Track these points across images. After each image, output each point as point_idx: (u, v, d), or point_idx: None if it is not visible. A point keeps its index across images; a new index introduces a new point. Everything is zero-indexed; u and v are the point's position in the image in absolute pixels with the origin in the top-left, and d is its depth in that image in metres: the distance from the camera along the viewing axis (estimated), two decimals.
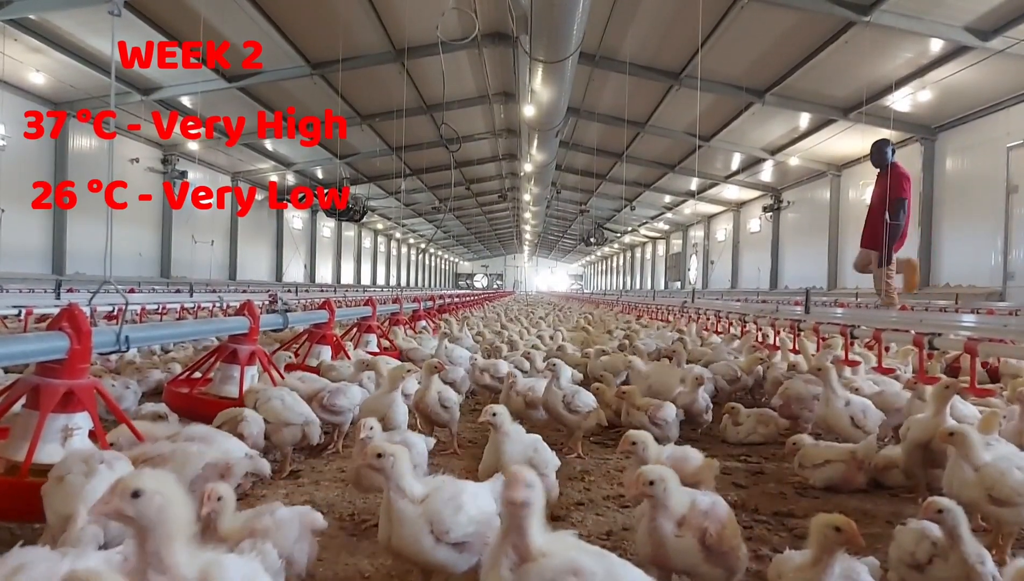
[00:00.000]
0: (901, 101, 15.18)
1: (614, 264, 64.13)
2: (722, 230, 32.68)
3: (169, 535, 1.50)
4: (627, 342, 7.48)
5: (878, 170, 8.36)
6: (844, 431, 3.95)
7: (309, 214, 33.47)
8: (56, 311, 3.11)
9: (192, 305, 10.43)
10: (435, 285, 67.85)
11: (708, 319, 10.74)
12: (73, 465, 2.22)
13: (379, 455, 2.15)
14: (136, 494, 1.50)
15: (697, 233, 36.48)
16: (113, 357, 5.89)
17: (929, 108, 15.80)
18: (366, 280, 43.25)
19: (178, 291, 14.94)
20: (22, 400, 2.90)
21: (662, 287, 41.20)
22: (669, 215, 36.14)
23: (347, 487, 3.40)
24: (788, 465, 4.05)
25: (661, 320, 13.16)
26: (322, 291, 23.32)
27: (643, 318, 13.86)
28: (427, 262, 67.86)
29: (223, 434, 2.89)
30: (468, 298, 23.66)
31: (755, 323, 7.81)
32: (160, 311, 9.59)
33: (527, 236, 49.87)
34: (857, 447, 3.66)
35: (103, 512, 1.53)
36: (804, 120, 18.48)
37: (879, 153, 8.37)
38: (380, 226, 44.63)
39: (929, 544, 2.13)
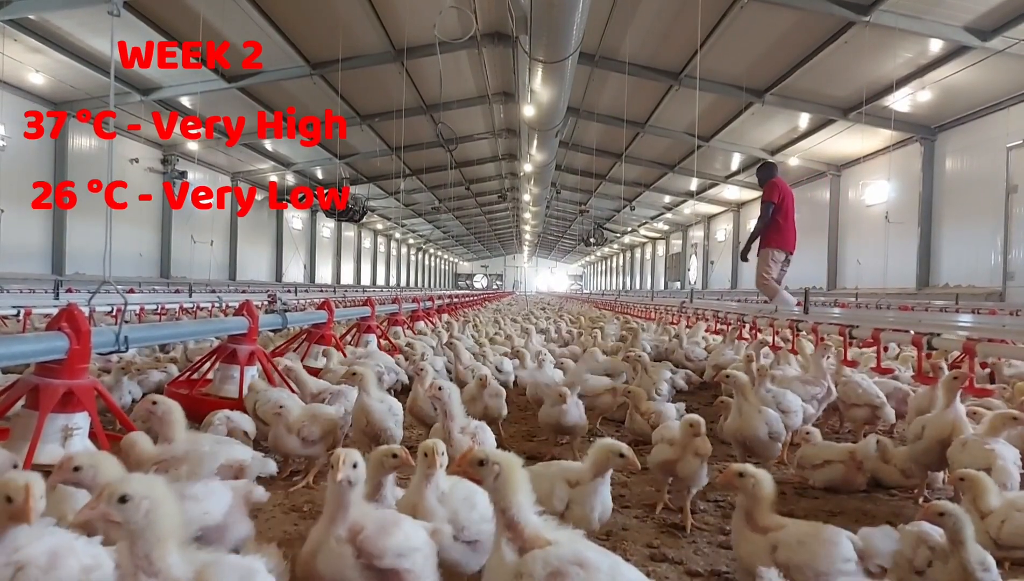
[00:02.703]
0: (901, 101, 15.18)
1: (614, 264, 64.11)
2: (722, 230, 32.69)
3: (159, 538, 1.52)
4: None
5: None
6: (761, 443, 3.66)
7: (309, 214, 33.47)
8: (55, 311, 3.11)
9: (191, 305, 10.42)
10: (435, 285, 67.84)
11: (707, 320, 10.72)
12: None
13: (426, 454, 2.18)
14: (123, 499, 1.51)
15: (697, 233, 36.48)
16: (114, 358, 5.89)
17: (929, 108, 15.81)
18: (366, 280, 43.24)
19: (177, 291, 14.93)
20: (22, 400, 2.90)
21: (662, 287, 41.19)
22: (669, 215, 36.14)
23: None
24: (788, 465, 4.06)
25: (650, 319, 13.18)
26: (322, 291, 23.29)
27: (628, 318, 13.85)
28: (426, 262, 67.85)
29: (228, 439, 2.89)
30: (467, 298, 23.65)
31: (754, 323, 7.81)
32: (159, 311, 9.58)
33: (527, 236, 49.85)
34: (856, 447, 3.66)
35: (89, 517, 1.55)
36: (804, 120, 18.49)
37: (759, 173, 9.55)
38: (380, 226, 44.63)
39: (926, 549, 2.13)
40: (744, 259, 9.78)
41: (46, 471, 2.42)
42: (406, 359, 6.31)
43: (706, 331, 9.17)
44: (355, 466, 2.03)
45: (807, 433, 3.85)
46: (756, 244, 9.24)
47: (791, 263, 9.53)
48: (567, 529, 1.76)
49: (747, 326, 8.12)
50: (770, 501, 2.23)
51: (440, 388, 3.15)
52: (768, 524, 2.21)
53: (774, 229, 9.08)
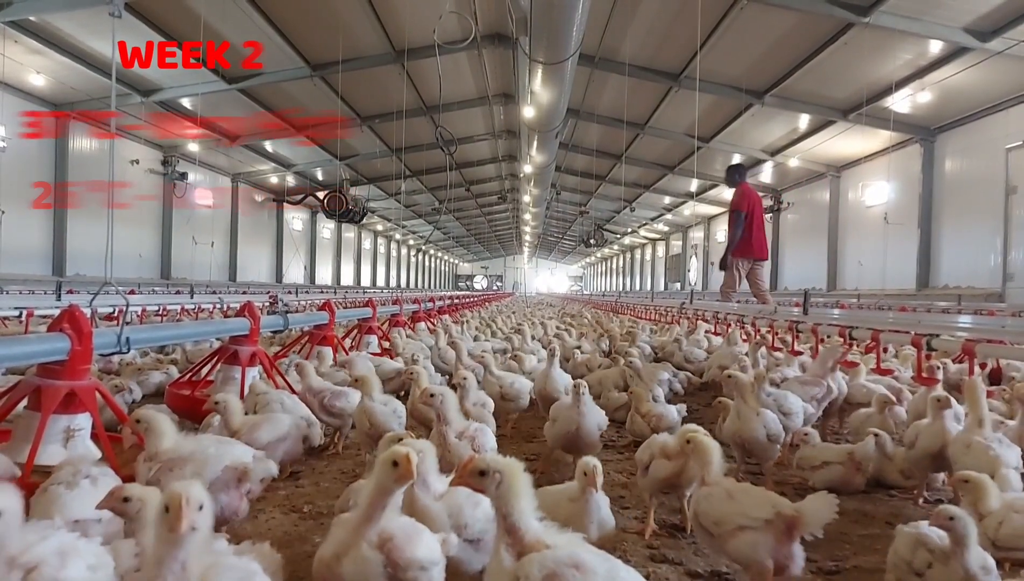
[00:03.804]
0: (900, 102, 15.20)
1: (614, 265, 64.12)
2: (722, 231, 32.63)
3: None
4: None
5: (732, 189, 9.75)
6: (760, 445, 3.62)
7: (309, 215, 33.49)
8: (57, 312, 3.12)
9: (193, 306, 10.44)
10: (435, 286, 67.83)
11: (708, 322, 10.72)
12: (59, 477, 2.24)
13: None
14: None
15: (697, 234, 36.48)
16: (115, 358, 5.90)
17: (928, 109, 15.82)
18: (366, 281, 43.25)
19: (178, 292, 14.95)
20: (24, 401, 2.91)
21: (662, 288, 41.20)
22: (669, 216, 36.15)
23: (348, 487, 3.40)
24: (788, 466, 4.06)
25: (650, 320, 13.22)
26: (322, 292, 23.31)
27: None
28: (427, 263, 67.85)
29: (229, 440, 2.89)
30: (468, 299, 23.68)
31: (753, 325, 7.81)
32: (161, 312, 9.61)
33: (527, 237, 49.85)
34: (855, 448, 3.67)
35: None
36: (804, 121, 18.50)
37: (730, 175, 9.86)
38: (380, 227, 44.64)
39: (925, 552, 2.13)
40: (722, 269, 9.99)
41: (48, 472, 2.44)
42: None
43: (707, 332, 9.17)
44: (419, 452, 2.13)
45: (805, 434, 3.86)
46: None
47: (762, 266, 9.93)
48: (567, 534, 1.76)
49: (746, 326, 8.14)
50: (713, 462, 2.43)
51: (432, 395, 3.09)
52: (708, 482, 2.41)
53: (742, 239, 9.39)
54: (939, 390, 3.72)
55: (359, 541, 1.83)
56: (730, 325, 8.76)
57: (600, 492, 2.35)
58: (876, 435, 3.65)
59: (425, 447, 2.27)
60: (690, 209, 32.40)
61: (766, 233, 9.79)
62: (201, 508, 1.53)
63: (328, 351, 6.10)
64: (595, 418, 3.64)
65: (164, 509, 1.49)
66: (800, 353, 6.21)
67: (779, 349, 6.60)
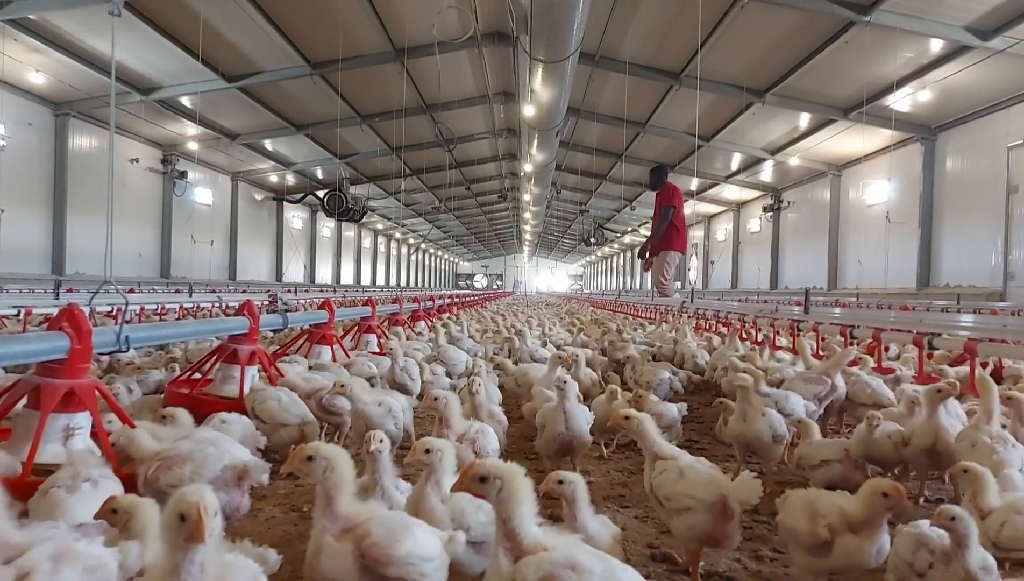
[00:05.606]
0: (901, 101, 15.18)
1: (614, 264, 64.10)
2: (722, 230, 32.70)
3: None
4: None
5: (656, 191, 10.34)
6: (766, 447, 3.65)
7: (309, 214, 33.48)
8: (56, 311, 3.11)
9: (192, 305, 10.44)
10: (435, 285, 67.83)
11: (707, 319, 10.73)
12: (59, 480, 2.23)
13: (427, 450, 2.28)
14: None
15: (697, 233, 36.47)
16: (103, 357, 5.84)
17: (929, 108, 15.81)
18: (366, 280, 43.23)
19: (178, 291, 14.93)
20: (23, 400, 2.91)
21: None
22: None
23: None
24: (789, 464, 4.06)
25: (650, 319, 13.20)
26: (322, 291, 23.30)
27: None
28: (427, 262, 67.84)
29: (228, 439, 2.88)
30: (468, 298, 23.67)
31: (754, 324, 7.81)
32: (160, 311, 9.59)
33: (527, 236, 49.86)
34: (851, 444, 3.66)
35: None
36: (804, 120, 18.49)
37: (655, 176, 10.39)
38: (380, 226, 44.63)
39: (926, 552, 2.13)
40: (641, 258, 10.46)
41: (48, 471, 2.44)
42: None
43: (696, 330, 9.13)
44: (381, 441, 2.29)
45: (799, 421, 3.81)
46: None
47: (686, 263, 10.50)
48: (565, 536, 1.76)
49: (747, 325, 8.12)
50: (653, 435, 2.66)
51: (436, 398, 3.08)
52: (661, 455, 2.63)
53: (672, 233, 9.81)
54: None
55: (323, 534, 1.86)
56: (730, 324, 8.76)
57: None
58: (869, 418, 3.56)
59: (444, 446, 2.28)
60: (690, 208, 32.37)
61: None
62: (216, 513, 1.52)
63: (327, 350, 6.10)
64: (583, 415, 3.60)
65: (179, 518, 1.45)
66: (797, 353, 6.21)
67: (780, 348, 6.60)
